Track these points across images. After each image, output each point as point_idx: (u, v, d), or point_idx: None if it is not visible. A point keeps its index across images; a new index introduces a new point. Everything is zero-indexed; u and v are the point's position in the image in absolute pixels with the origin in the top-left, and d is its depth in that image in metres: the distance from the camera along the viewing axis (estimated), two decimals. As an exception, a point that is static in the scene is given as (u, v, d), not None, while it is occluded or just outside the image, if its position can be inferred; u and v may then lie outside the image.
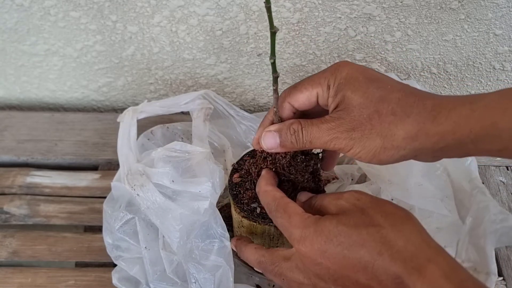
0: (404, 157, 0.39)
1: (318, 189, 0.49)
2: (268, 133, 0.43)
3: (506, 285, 0.54)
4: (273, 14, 0.63)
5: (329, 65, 0.69)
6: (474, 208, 0.48)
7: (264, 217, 0.47)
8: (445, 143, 0.37)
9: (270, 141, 0.43)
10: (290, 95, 0.44)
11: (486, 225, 0.48)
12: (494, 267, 0.48)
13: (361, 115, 0.39)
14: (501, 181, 0.64)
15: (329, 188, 0.60)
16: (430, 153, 0.38)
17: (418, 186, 0.51)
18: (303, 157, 0.48)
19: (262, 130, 0.45)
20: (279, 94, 0.44)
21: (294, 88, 0.44)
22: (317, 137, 0.40)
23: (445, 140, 0.37)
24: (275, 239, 0.49)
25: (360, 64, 0.69)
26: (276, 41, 0.67)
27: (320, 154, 0.50)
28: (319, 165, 0.49)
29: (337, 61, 0.69)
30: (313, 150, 0.50)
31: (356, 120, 0.39)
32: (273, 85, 0.43)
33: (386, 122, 0.38)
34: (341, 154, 0.51)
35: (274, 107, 0.44)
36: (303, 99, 0.43)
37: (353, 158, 0.41)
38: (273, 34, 0.39)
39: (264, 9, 0.63)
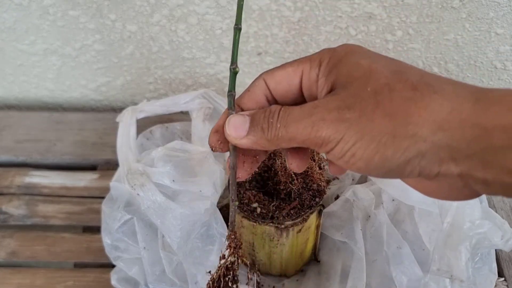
0: (422, 157, 0.25)
1: (319, 189, 0.49)
2: (237, 116, 0.30)
3: (507, 286, 0.54)
4: (273, 13, 0.63)
5: (329, 64, 0.69)
6: (451, 213, 0.47)
7: (264, 217, 0.47)
8: (488, 143, 0.23)
9: (237, 126, 0.30)
10: (268, 71, 0.32)
11: (462, 232, 0.47)
12: (467, 275, 0.47)
13: (364, 89, 0.26)
14: (502, 181, 0.64)
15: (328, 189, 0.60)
16: (461, 158, 0.24)
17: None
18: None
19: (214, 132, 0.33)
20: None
21: (278, 66, 0.32)
22: (296, 118, 0.27)
23: (489, 137, 0.23)
24: (275, 239, 0.49)
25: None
26: (277, 40, 0.66)
27: None
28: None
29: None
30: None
31: (355, 95, 0.26)
32: (229, 91, 0.33)
33: (401, 99, 0.25)
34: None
35: (228, 109, 0.33)
36: (282, 77, 0.31)
37: (342, 161, 0.27)
38: (237, 30, 0.33)
39: (264, 8, 0.62)
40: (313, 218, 0.49)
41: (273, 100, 0.32)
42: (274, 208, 0.48)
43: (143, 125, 0.60)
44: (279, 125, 0.28)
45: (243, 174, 0.34)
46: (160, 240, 0.50)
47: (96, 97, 0.78)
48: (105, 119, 0.74)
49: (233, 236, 0.36)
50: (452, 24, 0.63)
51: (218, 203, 0.53)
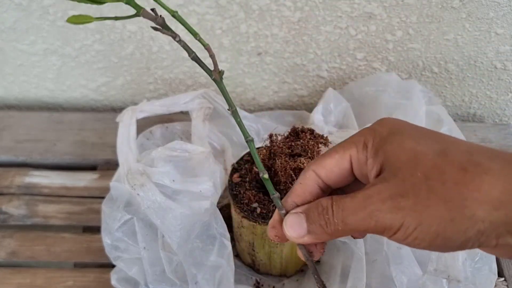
0: (481, 235, 0.26)
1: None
2: (293, 215, 0.32)
3: (507, 286, 0.54)
4: (273, 13, 0.63)
5: (329, 64, 0.69)
6: None
7: (264, 217, 0.47)
8: None
9: (295, 227, 0.31)
10: (315, 162, 0.33)
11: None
12: (464, 275, 0.47)
13: (414, 174, 0.27)
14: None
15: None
16: None
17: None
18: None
19: (272, 227, 0.34)
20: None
21: (323, 154, 0.33)
22: (351, 212, 0.29)
23: None
24: (275, 239, 0.49)
25: (361, 63, 0.69)
26: (277, 40, 0.66)
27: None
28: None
29: (338, 60, 0.68)
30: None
31: (406, 181, 0.27)
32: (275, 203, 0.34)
33: (452, 181, 0.26)
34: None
35: (278, 210, 0.34)
36: (332, 165, 0.32)
37: (405, 243, 0.28)
38: (250, 142, 0.33)
39: (264, 8, 0.62)
40: (313, 218, 0.49)
41: (325, 186, 0.33)
42: (274, 208, 0.48)
43: (143, 125, 0.60)
44: (336, 221, 0.29)
45: (318, 254, 0.35)
46: (160, 240, 0.50)
47: (96, 97, 0.78)
48: (105, 119, 0.74)
49: None
50: (452, 24, 0.63)
51: (218, 203, 0.53)
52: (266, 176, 0.33)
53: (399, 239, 0.28)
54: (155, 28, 0.29)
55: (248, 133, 0.33)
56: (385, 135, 0.30)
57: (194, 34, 0.29)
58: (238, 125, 0.32)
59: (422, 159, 0.28)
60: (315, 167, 0.32)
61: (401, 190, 0.27)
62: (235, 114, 0.31)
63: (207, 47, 0.29)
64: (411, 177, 0.27)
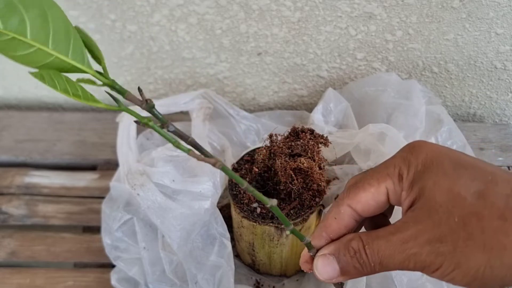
0: None
1: (319, 189, 0.49)
2: (323, 258, 0.32)
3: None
4: (273, 13, 0.63)
5: (329, 64, 0.69)
6: None
7: (264, 217, 0.47)
8: None
9: (327, 269, 0.32)
10: (349, 195, 0.32)
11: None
12: None
13: (450, 218, 0.27)
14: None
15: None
16: None
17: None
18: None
19: (306, 261, 0.35)
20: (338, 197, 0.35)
21: (355, 185, 0.33)
22: (387, 255, 0.29)
23: None
24: (275, 239, 0.49)
25: (361, 63, 0.69)
26: (277, 40, 0.66)
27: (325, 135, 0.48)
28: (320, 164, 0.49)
29: (338, 60, 0.68)
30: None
31: (444, 225, 0.27)
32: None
33: (491, 230, 0.27)
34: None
35: (309, 252, 0.34)
36: (368, 199, 0.32)
37: (443, 281, 0.29)
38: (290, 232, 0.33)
39: (264, 8, 0.62)
40: (313, 218, 0.49)
41: (360, 218, 0.33)
42: (274, 208, 0.48)
43: (143, 125, 0.60)
44: (372, 263, 0.30)
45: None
46: (160, 240, 0.50)
47: (96, 97, 0.78)
48: (105, 119, 0.74)
49: None
50: (452, 24, 0.63)
51: (218, 203, 0.53)
52: (288, 232, 0.33)
53: (436, 277, 0.28)
54: (138, 122, 0.28)
55: (288, 222, 0.32)
56: (420, 169, 0.30)
57: (186, 151, 0.28)
58: (255, 196, 0.31)
59: (459, 202, 0.28)
60: (350, 201, 0.32)
61: (438, 235, 0.27)
62: (248, 188, 0.30)
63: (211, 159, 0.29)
64: (448, 220, 0.27)
